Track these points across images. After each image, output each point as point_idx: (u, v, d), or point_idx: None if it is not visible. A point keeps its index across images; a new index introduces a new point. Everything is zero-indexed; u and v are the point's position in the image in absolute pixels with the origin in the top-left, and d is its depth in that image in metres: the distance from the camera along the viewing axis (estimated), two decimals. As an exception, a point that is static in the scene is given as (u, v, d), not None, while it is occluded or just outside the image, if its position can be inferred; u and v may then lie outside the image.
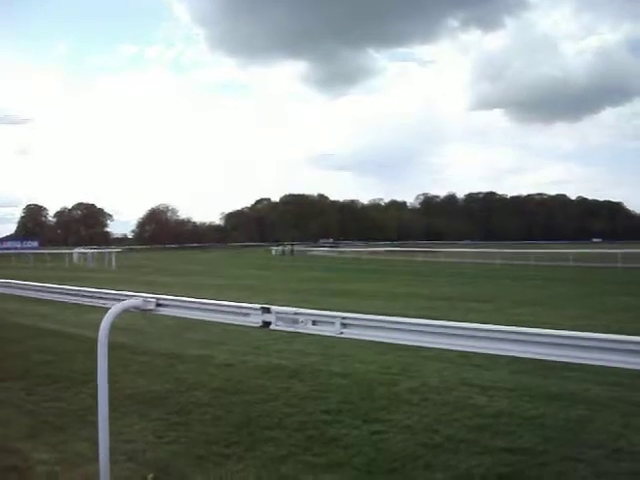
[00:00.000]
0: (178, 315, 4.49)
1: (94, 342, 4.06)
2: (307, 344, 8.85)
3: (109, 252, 46.04)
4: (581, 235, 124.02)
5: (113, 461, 4.13)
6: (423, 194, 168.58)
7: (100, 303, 5.32)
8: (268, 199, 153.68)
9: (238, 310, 3.97)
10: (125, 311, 4.24)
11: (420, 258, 54.32)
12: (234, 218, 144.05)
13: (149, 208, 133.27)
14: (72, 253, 52.19)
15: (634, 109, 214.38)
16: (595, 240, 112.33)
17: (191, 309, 4.35)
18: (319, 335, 3.71)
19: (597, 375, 6.54)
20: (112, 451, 4.11)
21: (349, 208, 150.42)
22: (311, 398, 6.31)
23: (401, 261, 52.44)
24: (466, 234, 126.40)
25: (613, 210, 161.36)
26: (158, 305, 4.34)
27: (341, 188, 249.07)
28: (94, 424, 4.14)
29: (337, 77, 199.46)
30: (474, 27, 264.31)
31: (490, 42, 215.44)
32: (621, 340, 2.72)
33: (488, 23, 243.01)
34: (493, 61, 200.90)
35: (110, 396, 4.09)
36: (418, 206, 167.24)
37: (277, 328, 3.64)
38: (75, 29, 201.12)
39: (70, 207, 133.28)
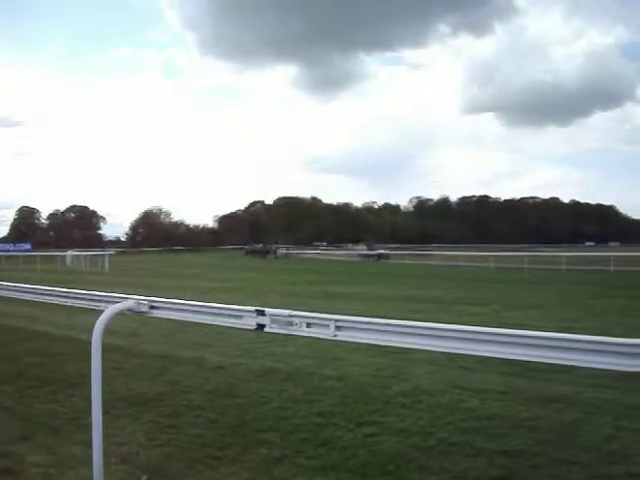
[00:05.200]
0: (171, 317, 4.48)
1: (86, 344, 4.05)
2: (300, 347, 8.84)
3: (102, 255, 45.89)
4: (574, 238, 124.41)
5: (106, 463, 4.13)
6: (416, 197, 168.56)
7: (93, 305, 5.31)
8: (262, 202, 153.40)
9: (232, 312, 3.97)
10: (118, 313, 4.23)
11: (413, 261, 54.42)
12: (227, 221, 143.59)
13: (142, 211, 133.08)
14: (65, 256, 52.01)
15: (625, 113, 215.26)
16: (588, 244, 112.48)
17: (184, 311, 4.34)
18: (313, 338, 3.71)
19: (589, 378, 6.55)
20: (105, 453, 4.10)
21: (342, 211, 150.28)
22: (305, 401, 6.30)
23: (394, 264, 52.53)
24: (460, 237, 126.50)
25: (605, 213, 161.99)
26: (151, 307, 4.33)
27: (334, 191, 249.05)
28: (87, 426, 4.13)
29: (328, 81, 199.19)
30: (465, 32, 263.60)
31: (481, 47, 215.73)
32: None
33: (479, 28, 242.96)
34: (484, 65, 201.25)
35: (103, 398, 4.08)
36: (412, 209, 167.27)
37: (271, 331, 3.63)
38: (68, 32, 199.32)
39: (63, 209, 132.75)
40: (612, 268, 37.44)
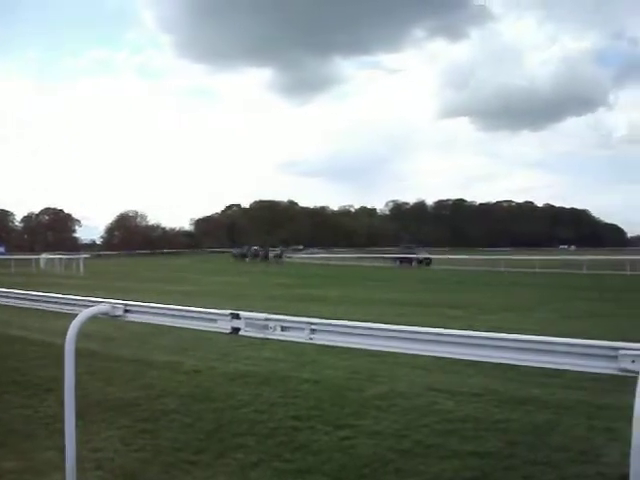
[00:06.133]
0: (146, 321, 4.46)
1: (61, 349, 4.02)
2: (276, 350, 8.84)
3: (77, 258, 45.45)
4: (548, 241, 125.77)
5: (80, 469, 4.10)
6: (392, 200, 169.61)
7: (67, 309, 5.27)
8: (238, 205, 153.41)
9: (207, 316, 3.96)
10: (93, 317, 4.21)
11: (391, 264, 54.62)
12: (204, 224, 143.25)
13: (118, 214, 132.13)
14: (39, 259, 51.44)
15: (598, 118, 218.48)
16: (562, 247, 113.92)
17: (159, 315, 4.33)
18: (289, 341, 3.71)
19: (562, 379, 6.64)
20: (79, 459, 4.08)
21: (319, 214, 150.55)
22: (281, 404, 6.30)
23: (371, 267, 52.62)
24: (436, 240, 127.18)
25: (578, 217, 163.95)
26: (126, 311, 4.31)
27: (311, 194, 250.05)
28: (61, 432, 4.10)
29: (305, 84, 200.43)
30: (440, 36, 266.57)
31: (456, 51, 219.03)
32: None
33: (454, 33, 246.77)
34: (459, 70, 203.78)
35: (77, 403, 4.05)
36: (388, 212, 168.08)
37: (246, 334, 3.64)
38: (43, 33, 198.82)
39: (37, 212, 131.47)
40: (585, 271, 37.97)
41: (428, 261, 54.96)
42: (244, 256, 73.48)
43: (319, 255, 73.80)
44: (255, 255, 72.85)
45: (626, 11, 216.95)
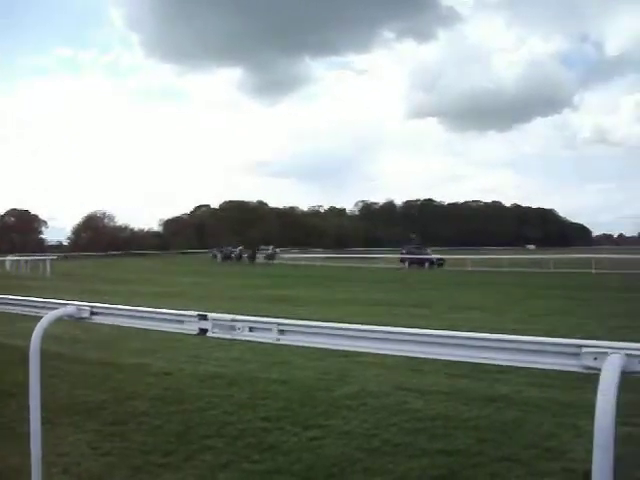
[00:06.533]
0: (113, 323, 4.42)
1: (26, 351, 3.96)
2: (245, 351, 8.82)
3: (44, 260, 44.80)
4: (515, 241, 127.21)
5: (46, 474, 4.04)
6: (362, 201, 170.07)
7: (33, 312, 5.19)
8: (207, 205, 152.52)
9: (174, 317, 3.93)
10: (59, 319, 4.15)
11: (360, 264, 54.72)
12: (173, 224, 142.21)
13: (85, 214, 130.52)
14: (4, 261, 50.61)
15: (563, 119, 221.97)
16: (529, 246, 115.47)
17: (126, 317, 4.28)
18: (257, 342, 3.70)
19: (529, 377, 6.74)
20: (47, 464, 4.02)
21: (289, 215, 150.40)
22: (250, 406, 6.29)
23: (342, 267, 52.69)
24: (405, 240, 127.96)
25: (545, 217, 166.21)
26: (92, 313, 4.26)
27: (280, 195, 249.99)
28: (27, 436, 4.04)
29: (274, 84, 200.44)
30: (409, 38, 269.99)
31: (424, 53, 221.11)
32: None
33: (422, 34, 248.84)
34: (428, 71, 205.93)
35: (44, 407, 3.99)
36: (357, 213, 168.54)
37: (214, 335, 3.62)
38: (6, 29, 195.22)
39: (3, 213, 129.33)
40: (552, 270, 38.50)
41: (441, 262, 51.84)
42: (227, 257, 69.86)
43: (309, 256, 67.95)
44: (239, 256, 68.45)
45: (591, 15, 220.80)
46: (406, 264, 53.07)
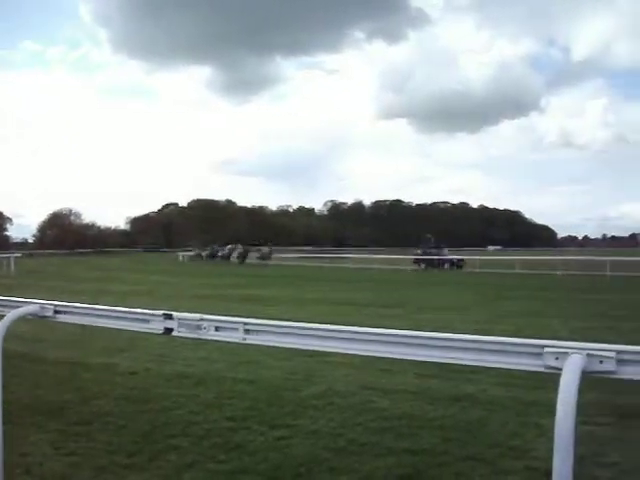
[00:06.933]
0: (77, 322, 4.37)
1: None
2: (212, 351, 8.78)
3: (8, 257, 44.04)
4: (482, 242, 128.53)
5: (8, 475, 3.98)
6: (331, 201, 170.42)
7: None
8: (175, 204, 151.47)
9: (140, 317, 3.91)
10: (22, 318, 4.09)
11: (329, 264, 54.70)
12: (140, 223, 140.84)
13: (51, 212, 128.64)
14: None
15: (531, 122, 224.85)
16: (495, 248, 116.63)
17: (91, 316, 4.24)
18: (224, 342, 3.69)
19: (495, 377, 6.81)
20: (7, 465, 3.96)
21: (257, 214, 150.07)
22: (217, 405, 6.26)
23: (311, 267, 52.56)
24: (374, 240, 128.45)
25: (512, 218, 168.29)
26: (56, 312, 4.21)
27: (249, 194, 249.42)
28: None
29: (244, 83, 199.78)
30: (379, 39, 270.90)
31: (394, 54, 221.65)
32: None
33: (392, 35, 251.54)
34: (397, 72, 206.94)
35: (5, 408, 3.94)
36: (326, 212, 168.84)
37: (180, 335, 3.60)
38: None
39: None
40: (518, 271, 39.01)
41: (461, 263, 47.90)
42: (213, 256, 63.61)
43: (304, 256, 63.77)
44: (228, 256, 60.87)
45: (559, 19, 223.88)
46: (422, 265, 49.11)
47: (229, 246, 63.90)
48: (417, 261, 50.92)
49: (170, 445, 5.09)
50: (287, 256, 62.22)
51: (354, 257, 58.68)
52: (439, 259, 49.45)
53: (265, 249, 58.46)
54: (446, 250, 53.61)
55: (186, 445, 5.09)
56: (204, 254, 67.22)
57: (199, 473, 4.53)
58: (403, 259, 52.55)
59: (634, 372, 2.58)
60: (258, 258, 56.40)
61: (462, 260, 49.18)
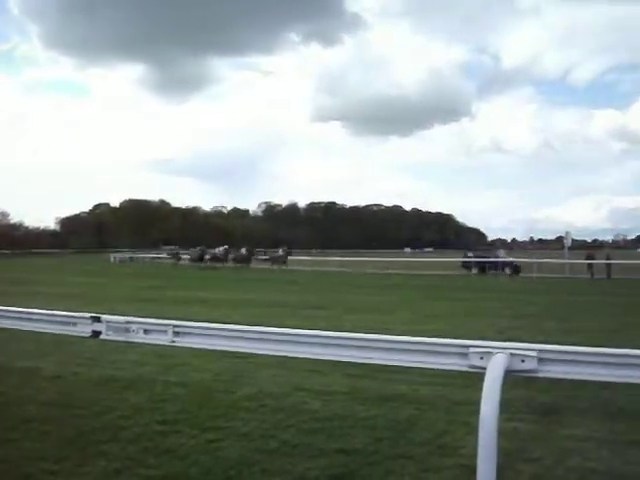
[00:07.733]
0: (1, 326, 4.24)
1: None
2: (143, 354, 8.62)
3: None
4: (415, 244, 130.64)
5: None
6: (265, 202, 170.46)
7: None
8: (107, 204, 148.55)
9: (67, 319, 3.83)
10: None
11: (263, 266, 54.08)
12: (71, 223, 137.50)
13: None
14: None
15: (462, 127, 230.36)
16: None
17: (16, 319, 4.13)
18: (154, 344, 3.65)
19: (425, 376, 6.92)
20: None
21: (192, 214, 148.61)
22: (147, 409, 6.16)
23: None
24: (309, 242, 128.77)
25: (444, 221, 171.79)
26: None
27: (183, 194, 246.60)
28: None
29: (178, 82, 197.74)
30: (314, 42, 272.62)
31: (329, 57, 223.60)
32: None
33: (328, 39, 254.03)
34: (332, 75, 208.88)
35: None
36: (260, 214, 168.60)
37: (108, 338, 3.55)
38: None
39: None
40: (452, 272, 39.77)
41: (518, 269, 39.63)
42: (200, 259, 53.61)
43: (328, 259, 56.29)
44: (223, 258, 52.97)
45: (491, 28, 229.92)
46: (474, 270, 42.68)
47: (222, 248, 56.28)
48: (465, 265, 44.38)
49: (99, 450, 4.99)
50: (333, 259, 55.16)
51: (354, 260, 54.67)
52: (496, 262, 41.39)
53: (280, 253, 52.31)
54: (501, 252, 45.85)
55: (115, 450, 5.00)
56: (184, 257, 58.60)
57: (128, 478, 4.46)
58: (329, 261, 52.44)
59: (554, 370, 2.68)
60: (272, 262, 50.01)
61: (518, 266, 40.26)
